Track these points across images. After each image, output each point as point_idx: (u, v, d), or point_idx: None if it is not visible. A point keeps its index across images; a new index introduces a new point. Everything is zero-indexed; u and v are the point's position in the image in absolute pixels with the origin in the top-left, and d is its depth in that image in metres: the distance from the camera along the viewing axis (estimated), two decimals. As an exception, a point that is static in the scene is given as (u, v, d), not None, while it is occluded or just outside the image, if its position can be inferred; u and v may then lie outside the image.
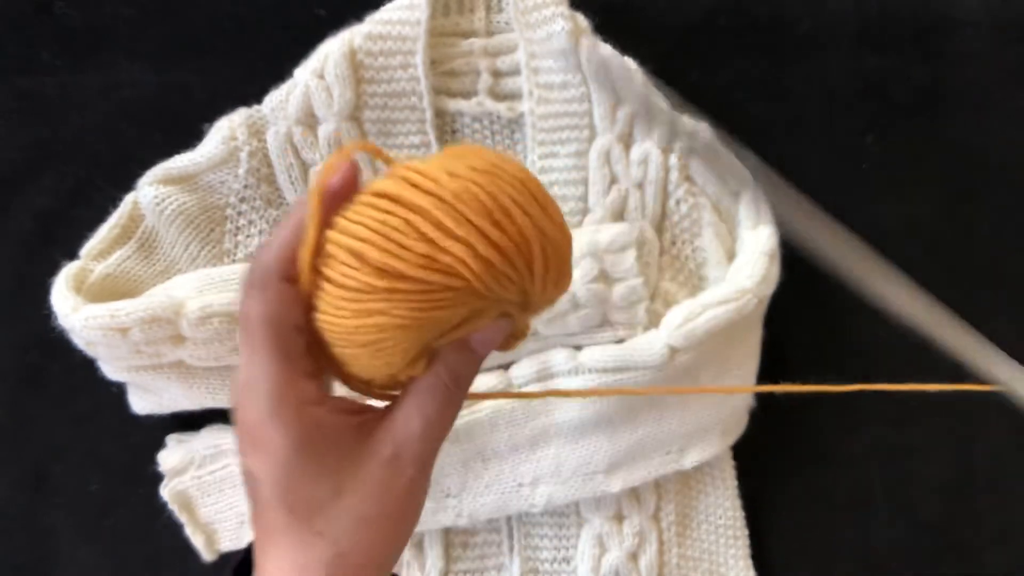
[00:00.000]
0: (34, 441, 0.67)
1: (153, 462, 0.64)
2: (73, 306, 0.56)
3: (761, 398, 0.66)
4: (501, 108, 0.65)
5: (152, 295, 0.60)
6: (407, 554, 0.64)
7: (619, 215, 0.64)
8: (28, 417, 0.67)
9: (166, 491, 0.63)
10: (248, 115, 0.62)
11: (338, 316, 0.36)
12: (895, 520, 0.69)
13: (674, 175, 0.64)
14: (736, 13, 0.70)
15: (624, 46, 0.63)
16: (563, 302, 0.60)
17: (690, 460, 0.63)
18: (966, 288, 0.71)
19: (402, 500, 0.38)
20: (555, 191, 0.63)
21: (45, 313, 0.58)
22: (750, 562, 0.67)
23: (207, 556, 0.63)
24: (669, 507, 0.66)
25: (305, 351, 0.37)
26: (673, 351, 0.60)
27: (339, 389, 0.41)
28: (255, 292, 0.36)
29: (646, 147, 0.63)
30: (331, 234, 0.36)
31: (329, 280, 0.35)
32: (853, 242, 0.41)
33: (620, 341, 0.62)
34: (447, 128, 0.66)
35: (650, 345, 0.60)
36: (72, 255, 0.60)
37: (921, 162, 0.71)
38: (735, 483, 0.67)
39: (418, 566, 0.64)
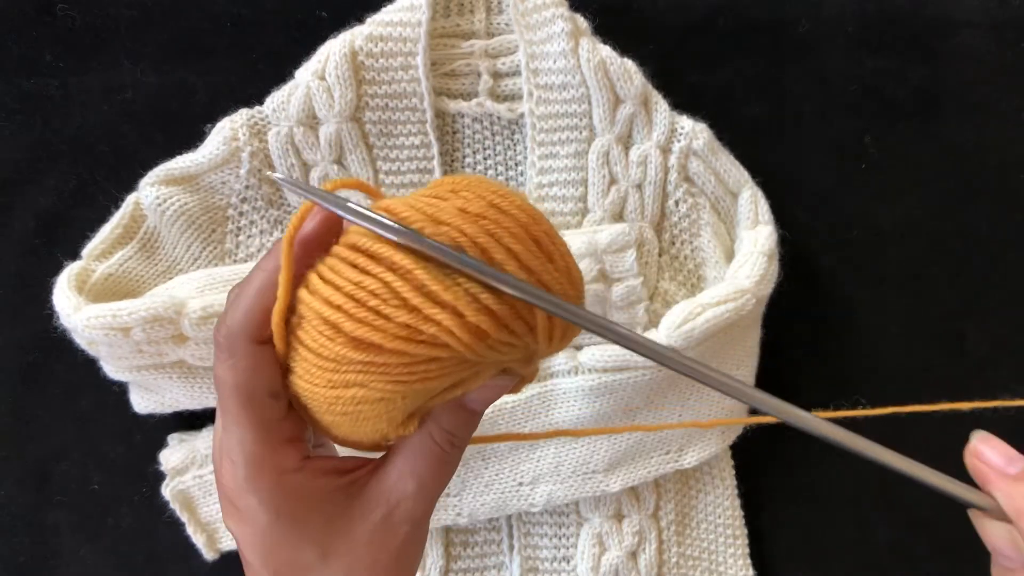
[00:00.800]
0: (36, 440, 0.67)
1: (155, 461, 0.64)
2: (75, 306, 0.56)
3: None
4: (501, 109, 0.65)
5: (154, 295, 0.60)
6: (407, 553, 0.64)
7: (618, 215, 0.64)
8: (30, 416, 0.67)
9: (167, 490, 0.63)
10: (250, 116, 0.62)
11: (314, 384, 0.32)
12: (893, 519, 0.70)
13: (673, 176, 0.64)
14: (735, 14, 0.71)
15: (623, 47, 0.63)
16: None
17: (689, 459, 0.64)
18: (965, 288, 0.71)
19: (398, 556, 0.36)
20: (554, 191, 0.64)
21: (47, 313, 0.58)
22: (749, 561, 0.67)
23: (208, 555, 0.63)
24: (668, 506, 0.66)
25: (283, 415, 0.34)
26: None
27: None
28: (224, 356, 0.33)
29: (645, 148, 0.63)
30: (303, 294, 0.31)
31: (303, 344, 0.32)
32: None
33: (619, 341, 0.62)
34: (447, 129, 0.66)
35: (649, 345, 0.60)
36: (74, 255, 0.61)
37: (919, 162, 0.71)
38: (734, 482, 0.67)
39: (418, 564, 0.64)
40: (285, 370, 0.33)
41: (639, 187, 0.64)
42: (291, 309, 0.32)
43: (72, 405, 0.67)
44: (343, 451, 0.39)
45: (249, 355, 0.33)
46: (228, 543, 0.64)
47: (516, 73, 0.64)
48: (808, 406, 0.70)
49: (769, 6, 0.71)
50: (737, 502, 0.67)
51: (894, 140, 0.71)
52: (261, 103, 0.62)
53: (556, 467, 0.63)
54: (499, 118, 0.66)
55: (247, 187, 0.62)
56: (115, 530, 0.67)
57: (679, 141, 0.64)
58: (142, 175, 0.62)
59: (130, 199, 0.62)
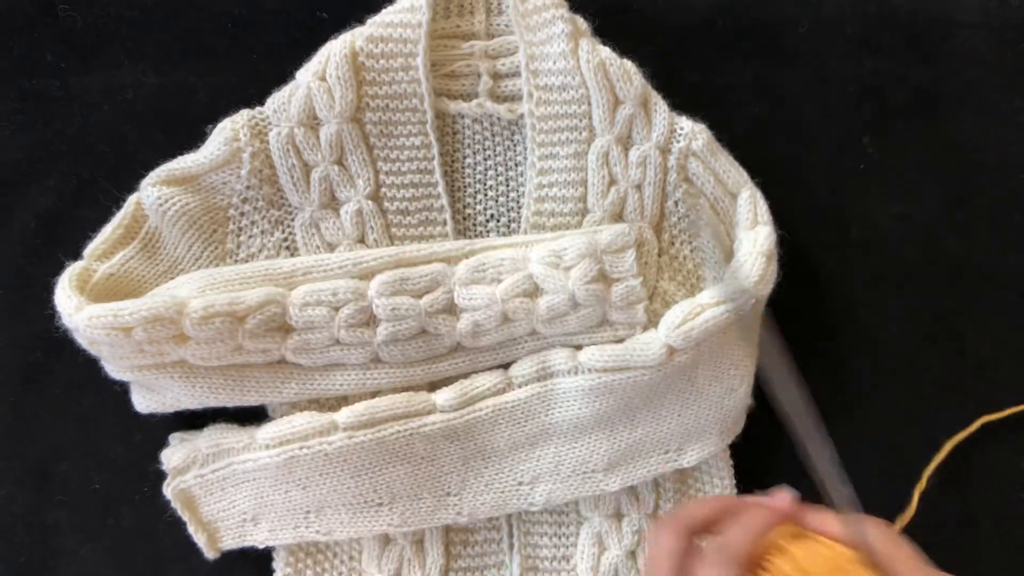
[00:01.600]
0: (37, 440, 0.67)
1: (156, 461, 0.64)
2: (76, 306, 0.56)
3: (758, 398, 0.66)
4: (501, 110, 0.65)
5: (155, 295, 0.60)
6: (408, 552, 0.64)
7: (618, 216, 0.64)
8: (31, 416, 0.67)
9: (169, 490, 0.63)
10: (250, 116, 0.62)
11: None
12: (891, 519, 0.70)
13: (672, 176, 0.64)
14: (734, 15, 0.71)
15: (623, 48, 0.64)
16: (562, 302, 0.60)
17: (688, 459, 0.64)
18: (964, 288, 0.71)
19: None
20: (554, 192, 0.64)
21: (48, 313, 0.59)
22: (748, 560, 0.67)
23: (209, 554, 0.64)
24: (668, 506, 0.66)
25: None
26: (671, 351, 0.60)
27: None
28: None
29: (645, 148, 0.64)
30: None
31: None
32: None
33: (619, 341, 0.62)
34: (448, 130, 0.66)
35: (648, 345, 0.60)
36: (75, 255, 0.61)
37: (919, 163, 0.71)
38: (733, 482, 0.67)
39: (419, 564, 0.64)
40: None
41: (639, 187, 0.64)
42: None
43: (73, 405, 0.67)
44: None
45: None
46: (229, 542, 0.64)
47: (516, 74, 0.65)
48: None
49: (769, 7, 0.71)
50: (736, 502, 0.67)
51: (893, 141, 0.71)
52: (262, 103, 0.62)
53: (556, 466, 0.63)
54: (499, 119, 0.66)
55: (248, 187, 0.62)
56: (116, 530, 0.67)
57: (678, 142, 0.64)
58: (143, 175, 0.62)
59: (131, 199, 0.62)
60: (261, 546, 0.63)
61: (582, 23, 0.63)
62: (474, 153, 0.66)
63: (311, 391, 0.62)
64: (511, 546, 0.66)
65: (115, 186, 0.65)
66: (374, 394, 0.62)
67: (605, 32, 0.64)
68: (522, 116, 0.64)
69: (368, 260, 0.61)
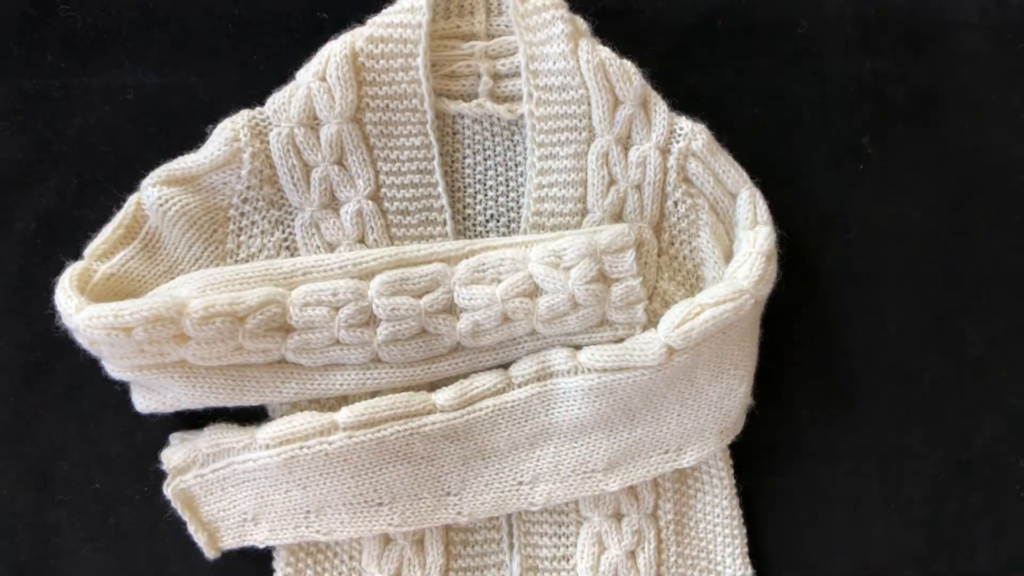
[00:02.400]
0: (38, 439, 0.68)
1: (156, 460, 0.64)
2: (77, 306, 0.56)
3: (758, 397, 0.66)
4: (501, 110, 0.65)
5: (155, 295, 0.60)
6: (408, 552, 0.64)
7: (618, 216, 0.64)
8: (32, 415, 0.68)
9: (169, 489, 0.63)
10: (251, 117, 0.62)
11: None
12: (891, 518, 0.70)
13: (672, 176, 0.64)
14: (734, 16, 0.71)
15: (623, 49, 0.64)
16: (562, 302, 0.60)
17: (688, 459, 0.64)
18: (963, 288, 0.71)
19: None
20: (554, 192, 0.64)
21: (49, 313, 0.59)
22: (748, 560, 0.67)
23: (210, 554, 0.64)
24: (667, 505, 0.66)
25: None
26: (671, 351, 0.60)
27: None
28: None
29: (644, 148, 0.64)
30: None
31: None
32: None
33: (619, 341, 0.62)
34: (447, 130, 0.66)
35: (648, 345, 0.60)
36: (76, 255, 0.61)
37: (918, 163, 0.71)
38: (732, 481, 0.67)
39: (419, 563, 0.65)
40: None
41: (638, 188, 0.64)
42: None
43: (74, 404, 0.67)
44: None
45: None
46: (229, 542, 0.64)
47: (516, 74, 0.65)
48: (806, 405, 0.71)
49: (768, 8, 0.71)
50: (735, 501, 0.67)
51: (892, 141, 0.71)
52: (262, 104, 0.62)
53: (555, 466, 0.63)
54: (499, 119, 0.66)
55: (248, 188, 0.63)
56: (116, 529, 0.67)
57: (678, 142, 0.64)
58: (143, 176, 0.62)
59: (132, 199, 0.62)
60: (261, 546, 0.63)
61: (582, 23, 0.63)
62: (474, 153, 0.66)
63: (311, 391, 0.62)
64: (511, 546, 0.66)
65: (115, 186, 0.65)
66: (374, 394, 0.62)
67: (605, 32, 0.64)
68: (522, 116, 0.64)
69: (368, 260, 0.61)
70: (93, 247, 0.61)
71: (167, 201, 0.61)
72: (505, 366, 0.63)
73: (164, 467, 0.64)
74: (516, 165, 0.66)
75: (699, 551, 0.67)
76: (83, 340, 0.58)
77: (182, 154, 0.63)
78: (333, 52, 0.61)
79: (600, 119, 0.63)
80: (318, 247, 0.64)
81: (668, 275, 0.66)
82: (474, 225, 0.66)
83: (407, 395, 0.61)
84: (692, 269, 0.66)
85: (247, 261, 0.63)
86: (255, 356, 0.60)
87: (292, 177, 0.63)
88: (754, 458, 0.68)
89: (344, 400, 0.63)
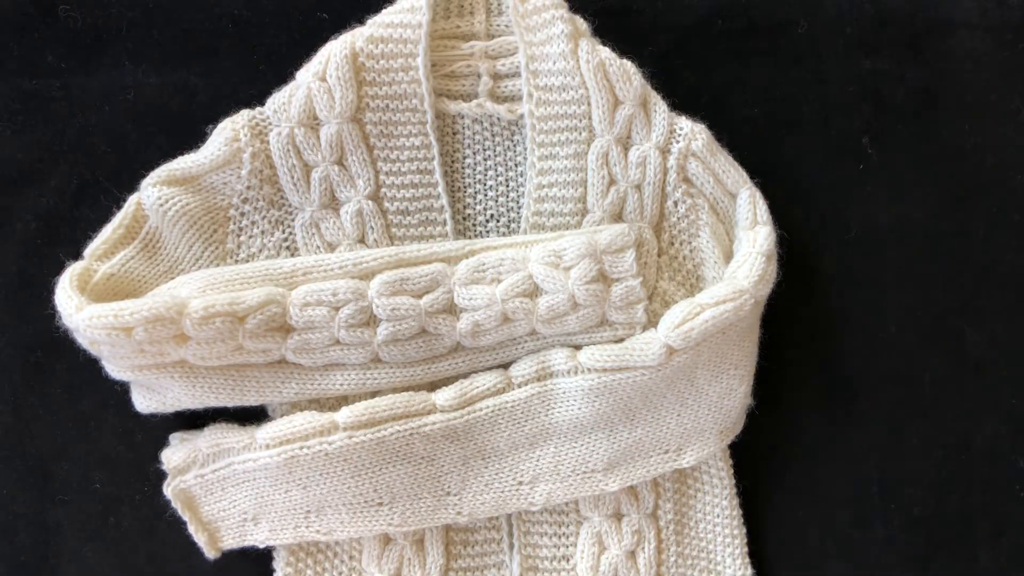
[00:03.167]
0: (38, 439, 0.68)
1: (156, 460, 0.64)
2: (77, 306, 0.56)
3: (758, 397, 0.66)
4: (501, 110, 0.65)
5: (156, 295, 0.60)
6: (408, 552, 0.65)
7: (618, 216, 0.64)
8: (32, 415, 0.68)
9: (169, 489, 0.63)
10: (251, 117, 0.62)
11: None
12: (890, 517, 0.70)
13: (672, 176, 0.65)
14: (733, 16, 0.71)
15: (623, 49, 0.64)
16: (562, 302, 0.60)
17: (688, 459, 0.64)
18: (963, 288, 0.71)
19: None
20: (554, 192, 0.64)
21: (49, 313, 0.59)
22: (747, 560, 0.67)
23: (210, 554, 0.64)
24: (667, 505, 0.66)
25: None
26: (671, 351, 0.60)
27: None
28: None
29: (644, 149, 0.64)
30: None
31: None
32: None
33: (619, 341, 0.62)
34: (447, 130, 0.66)
35: (648, 345, 0.60)
36: (76, 255, 0.61)
37: (917, 163, 0.71)
38: (732, 481, 0.67)
39: (419, 563, 0.65)
40: None
41: (638, 188, 0.64)
42: None
43: (74, 404, 0.67)
44: None
45: None
46: (229, 542, 0.64)
47: (516, 74, 0.65)
48: (806, 405, 0.71)
49: (768, 8, 0.71)
50: (735, 501, 0.67)
51: (892, 141, 0.71)
52: (262, 104, 0.62)
53: (555, 466, 0.63)
54: (499, 119, 0.66)
55: (248, 188, 0.63)
56: (116, 529, 0.67)
57: (678, 142, 0.64)
58: (144, 175, 0.62)
59: (132, 199, 0.62)
60: (261, 546, 0.63)
61: (582, 23, 0.63)
62: (474, 153, 0.66)
63: (311, 391, 0.62)
64: (511, 546, 0.66)
65: (116, 186, 0.65)
66: (374, 394, 0.63)
67: (605, 32, 0.64)
68: (522, 116, 0.64)
69: (368, 260, 0.61)
70: (93, 247, 0.61)
71: (167, 201, 0.61)
72: (505, 366, 0.63)
73: (164, 467, 0.64)
74: (516, 165, 0.66)
75: (699, 551, 0.67)
76: (83, 340, 0.58)
77: (182, 154, 0.63)
78: (333, 52, 0.61)
79: (600, 119, 0.63)
80: (318, 247, 0.64)
81: (668, 275, 0.66)
82: (474, 225, 0.66)
83: (407, 395, 0.62)
84: (692, 269, 0.66)
85: (247, 261, 0.63)
86: (255, 356, 0.60)
87: (292, 177, 0.63)
88: (754, 458, 0.68)
89: (344, 400, 0.63)
